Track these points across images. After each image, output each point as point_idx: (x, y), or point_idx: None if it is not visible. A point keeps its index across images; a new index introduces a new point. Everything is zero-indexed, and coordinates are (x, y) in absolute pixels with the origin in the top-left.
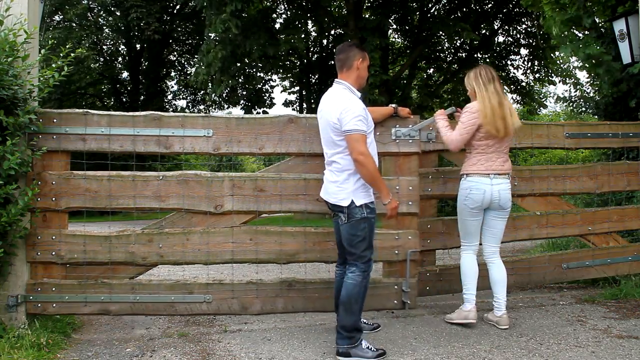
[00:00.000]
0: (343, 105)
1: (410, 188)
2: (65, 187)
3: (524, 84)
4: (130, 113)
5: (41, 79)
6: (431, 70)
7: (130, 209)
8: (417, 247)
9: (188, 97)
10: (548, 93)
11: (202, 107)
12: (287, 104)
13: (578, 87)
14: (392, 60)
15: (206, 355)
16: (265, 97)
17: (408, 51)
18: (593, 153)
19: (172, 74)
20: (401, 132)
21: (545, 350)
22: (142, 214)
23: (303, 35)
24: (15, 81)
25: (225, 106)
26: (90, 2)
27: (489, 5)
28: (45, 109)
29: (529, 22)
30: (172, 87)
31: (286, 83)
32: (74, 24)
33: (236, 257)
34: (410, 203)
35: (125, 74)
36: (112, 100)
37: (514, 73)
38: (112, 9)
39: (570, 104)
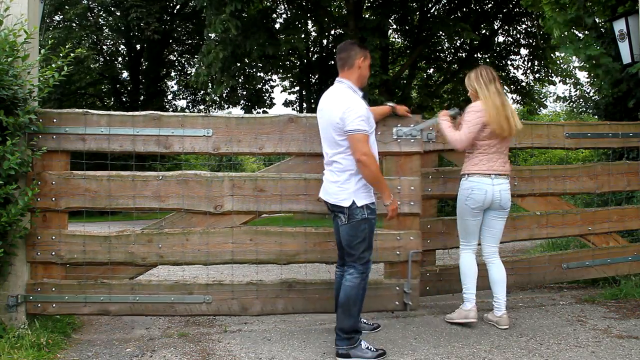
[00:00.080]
0: (346, 104)
1: (412, 188)
2: (65, 187)
3: (524, 84)
4: (130, 113)
5: (41, 79)
6: (431, 70)
7: (129, 209)
8: (419, 248)
9: (188, 97)
10: (548, 93)
11: (202, 107)
12: (287, 104)
13: (578, 87)
14: (392, 60)
15: (206, 355)
16: (265, 97)
17: (408, 51)
18: (593, 153)
19: (172, 74)
20: (403, 131)
21: (545, 350)
22: (142, 214)
23: (303, 35)
24: (15, 81)
25: (226, 106)
26: (90, 2)
27: (489, 5)
28: (45, 109)
29: (529, 22)
30: (172, 87)
31: (286, 83)
32: (74, 24)
33: (236, 258)
34: (412, 203)
35: (125, 74)
36: (112, 100)
37: (514, 73)
38: (112, 9)
39: (570, 104)
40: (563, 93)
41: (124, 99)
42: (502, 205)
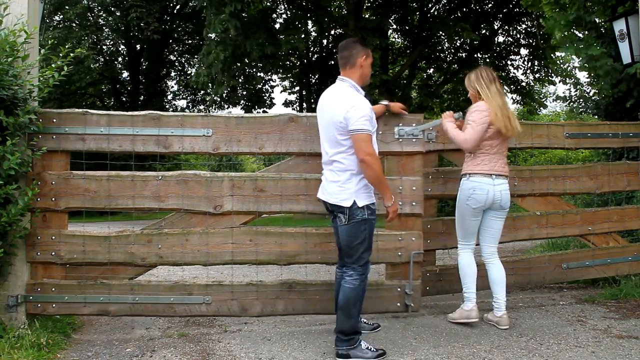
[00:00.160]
0: (350, 103)
1: (414, 188)
2: (65, 187)
3: (524, 84)
4: (129, 113)
5: (41, 79)
6: (431, 70)
7: (129, 209)
8: (421, 249)
9: (188, 97)
10: (548, 93)
11: (202, 107)
12: (287, 104)
13: (578, 87)
14: (392, 60)
15: (206, 355)
16: (265, 97)
17: (408, 51)
18: (593, 153)
19: (172, 74)
20: (404, 131)
21: (545, 350)
22: (142, 214)
23: (303, 36)
24: (15, 81)
25: (226, 106)
26: (90, 2)
27: (489, 5)
28: (45, 109)
29: (529, 22)
30: (172, 87)
31: (286, 83)
32: (74, 24)
33: (236, 258)
34: (413, 204)
35: (125, 74)
36: (112, 100)
37: (514, 73)
38: (112, 9)
39: (570, 104)
40: (563, 93)
41: (124, 99)
42: (502, 205)
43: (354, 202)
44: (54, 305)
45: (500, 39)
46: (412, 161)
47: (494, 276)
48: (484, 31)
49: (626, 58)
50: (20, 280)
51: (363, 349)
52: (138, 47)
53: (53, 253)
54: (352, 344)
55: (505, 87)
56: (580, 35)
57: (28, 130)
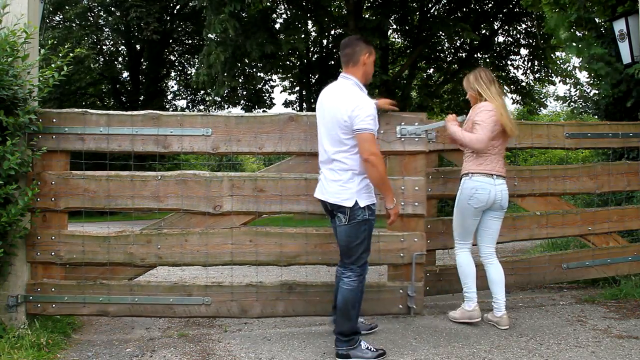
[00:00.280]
0: (355, 102)
1: (417, 188)
2: (65, 187)
3: (524, 84)
4: (129, 112)
5: (41, 79)
6: (431, 70)
7: (128, 209)
8: (424, 250)
9: (188, 97)
10: (548, 93)
11: (202, 107)
12: (287, 104)
13: (578, 87)
14: (392, 60)
15: (206, 355)
16: (265, 97)
17: (408, 51)
18: (593, 153)
19: (172, 74)
20: (407, 130)
21: (545, 351)
22: (142, 214)
23: (303, 36)
24: (15, 81)
25: (226, 106)
26: (90, 2)
27: (489, 5)
28: (45, 109)
29: (529, 22)
30: (172, 87)
31: (286, 83)
32: (74, 24)
33: (235, 259)
34: (416, 204)
35: (125, 74)
36: (112, 100)
37: (514, 73)
38: (112, 9)
39: (570, 104)
40: (564, 93)
41: (124, 99)
42: (502, 205)
43: (356, 202)
44: (53, 305)
45: (500, 39)
46: (415, 161)
47: (493, 276)
48: (484, 31)
49: (626, 58)
50: (20, 280)
51: (363, 349)
52: (138, 47)
53: (53, 253)
54: (352, 344)
55: (505, 87)
56: (579, 35)
57: (28, 130)
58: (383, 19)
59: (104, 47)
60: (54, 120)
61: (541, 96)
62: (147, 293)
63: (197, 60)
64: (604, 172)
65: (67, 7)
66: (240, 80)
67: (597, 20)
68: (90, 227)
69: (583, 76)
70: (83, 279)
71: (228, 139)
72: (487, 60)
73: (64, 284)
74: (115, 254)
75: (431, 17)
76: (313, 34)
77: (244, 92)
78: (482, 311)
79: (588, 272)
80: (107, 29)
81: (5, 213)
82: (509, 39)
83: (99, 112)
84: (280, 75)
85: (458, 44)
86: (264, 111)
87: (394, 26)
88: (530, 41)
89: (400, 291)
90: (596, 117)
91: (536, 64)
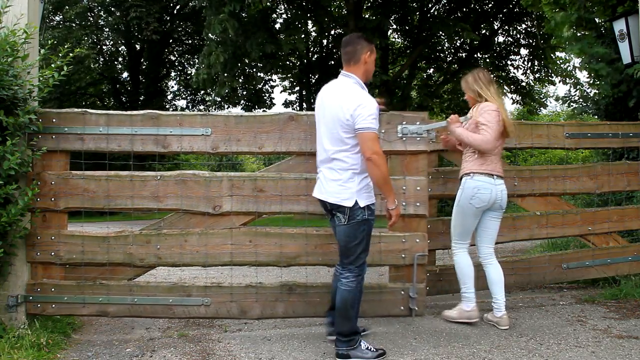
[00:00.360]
0: (358, 101)
1: (418, 188)
2: (64, 187)
3: (524, 84)
4: (128, 112)
5: (41, 79)
6: (431, 70)
7: (127, 209)
8: (425, 251)
9: (188, 97)
10: (548, 93)
11: (202, 107)
12: (287, 104)
13: (578, 87)
14: (392, 60)
15: (206, 355)
16: (265, 97)
17: (408, 51)
18: (593, 153)
19: (172, 74)
20: (408, 129)
21: (545, 351)
22: (142, 214)
23: (303, 36)
24: (15, 81)
25: (226, 106)
26: (90, 2)
27: (489, 5)
28: (45, 109)
29: (529, 22)
30: (172, 87)
31: (286, 83)
32: (74, 24)
33: (235, 260)
34: (417, 204)
35: (125, 74)
36: (112, 100)
37: (514, 73)
38: (112, 9)
39: (570, 104)
40: (565, 94)
41: (124, 99)
42: (501, 205)
43: (356, 202)
44: (53, 305)
45: (500, 39)
46: (416, 160)
47: (493, 277)
48: (484, 31)
49: (626, 58)
50: (20, 281)
51: (363, 349)
52: (138, 47)
53: (52, 253)
54: (351, 344)
55: (505, 87)
56: (579, 35)
57: (28, 130)
58: (383, 19)
59: (104, 47)
60: (54, 120)
61: (541, 96)
62: (146, 293)
63: (197, 60)
64: (604, 172)
65: (67, 7)
66: (240, 80)
67: (597, 20)
68: (90, 227)
69: (583, 76)
70: (83, 279)
71: (227, 139)
72: (487, 60)
73: (64, 284)
74: (115, 254)
75: (431, 17)
76: (313, 34)
77: (244, 92)
78: (482, 311)
79: (588, 272)
80: (107, 29)
81: (5, 213)
82: (509, 39)
83: (99, 112)
84: (280, 75)
85: (458, 44)
86: (263, 111)
87: (394, 26)
88: (530, 41)
89: (402, 292)
90: (596, 117)
91: (536, 64)
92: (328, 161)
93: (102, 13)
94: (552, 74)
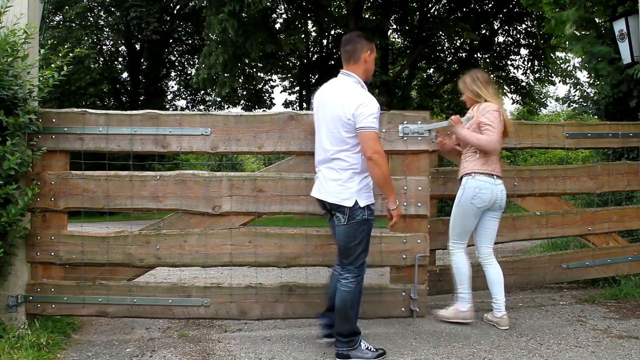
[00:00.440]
0: (359, 100)
1: (420, 188)
2: (64, 187)
3: (524, 84)
4: (128, 112)
5: (41, 79)
6: (431, 70)
7: (127, 209)
8: (427, 252)
9: (188, 98)
10: (548, 93)
11: (202, 107)
12: (287, 104)
13: (578, 87)
14: (392, 60)
15: (206, 355)
16: (265, 98)
17: (408, 51)
18: (593, 153)
19: (172, 74)
20: (409, 129)
21: (545, 351)
22: (142, 214)
23: (303, 36)
24: (15, 81)
25: (226, 106)
26: (90, 2)
27: (489, 5)
28: (45, 109)
29: (529, 22)
30: (172, 87)
31: (286, 83)
32: (74, 24)
33: (234, 260)
34: (419, 205)
35: (125, 74)
36: (112, 100)
37: (514, 73)
38: (112, 9)
39: (571, 104)
40: (566, 93)
41: (124, 99)
42: (501, 205)
43: (356, 202)
44: (53, 305)
45: (500, 39)
46: (418, 160)
47: (493, 277)
48: (484, 31)
49: (626, 58)
50: (20, 281)
51: (363, 349)
52: (138, 47)
53: (52, 253)
54: (351, 344)
55: (505, 87)
56: (580, 35)
57: (28, 130)
58: (383, 19)
59: (104, 47)
60: (54, 120)
61: (541, 96)
62: (146, 294)
63: (197, 60)
64: (604, 172)
65: (67, 7)
66: (240, 81)
67: (597, 20)
68: (90, 227)
69: (583, 76)
70: (82, 280)
71: (227, 139)
72: (487, 60)
73: (64, 284)
74: (114, 255)
75: (431, 17)
76: (313, 34)
77: (244, 92)
78: (482, 311)
79: (588, 272)
80: (107, 29)
81: (5, 213)
82: (509, 39)
83: (98, 111)
84: (280, 75)
85: (458, 44)
86: (263, 111)
87: (394, 26)
88: (530, 41)
89: (403, 294)
90: (596, 117)
91: (536, 64)
92: (328, 161)
93: (102, 13)
94: (552, 74)
